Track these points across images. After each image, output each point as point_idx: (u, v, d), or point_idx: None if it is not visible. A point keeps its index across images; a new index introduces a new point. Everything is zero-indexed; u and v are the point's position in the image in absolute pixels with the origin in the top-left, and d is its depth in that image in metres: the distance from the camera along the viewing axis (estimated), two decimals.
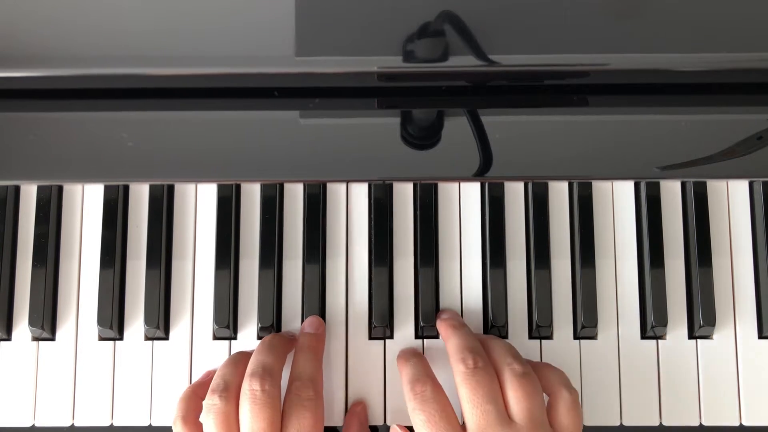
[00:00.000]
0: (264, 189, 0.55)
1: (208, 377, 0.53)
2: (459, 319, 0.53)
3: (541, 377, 0.49)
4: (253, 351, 0.51)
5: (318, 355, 0.51)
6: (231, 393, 0.48)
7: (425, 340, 0.54)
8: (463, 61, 0.51)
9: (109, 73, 0.52)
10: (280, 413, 0.47)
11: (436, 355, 0.53)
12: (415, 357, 0.51)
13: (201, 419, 0.49)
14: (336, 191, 0.56)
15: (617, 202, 0.56)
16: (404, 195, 0.56)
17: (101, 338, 0.54)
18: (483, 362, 0.47)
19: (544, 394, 0.48)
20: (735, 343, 0.54)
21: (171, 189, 0.56)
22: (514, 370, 0.47)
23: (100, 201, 0.55)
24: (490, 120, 0.53)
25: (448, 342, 0.50)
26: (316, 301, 0.54)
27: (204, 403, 0.48)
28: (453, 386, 0.49)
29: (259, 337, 0.54)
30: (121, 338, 0.54)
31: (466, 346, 0.48)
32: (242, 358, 0.51)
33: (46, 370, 0.54)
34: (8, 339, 0.55)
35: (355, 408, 0.52)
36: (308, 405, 0.47)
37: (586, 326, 0.53)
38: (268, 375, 0.47)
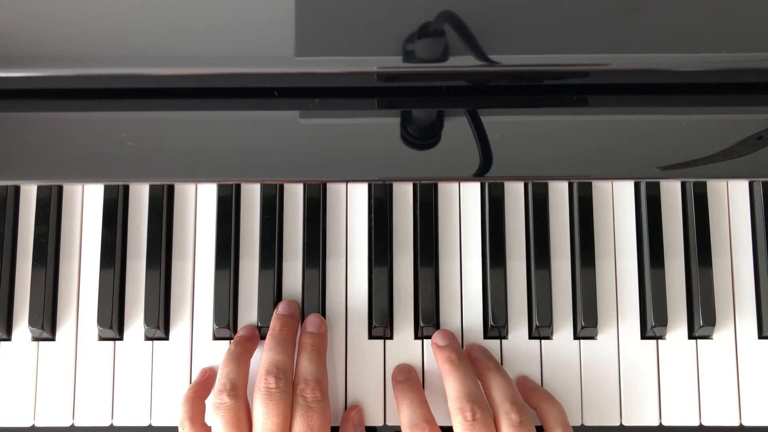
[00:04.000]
0: (264, 189, 0.55)
1: (205, 376, 0.53)
2: (456, 349, 0.52)
3: (538, 410, 0.50)
4: (241, 339, 0.52)
5: (322, 354, 0.52)
6: (238, 391, 0.49)
7: (425, 340, 0.54)
8: (463, 61, 0.51)
9: (109, 73, 0.52)
10: (291, 409, 0.48)
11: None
12: (411, 392, 0.50)
13: (209, 418, 0.49)
14: (336, 191, 0.56)
15: (617, 202, 0.56)
16: (404, 195, 0.56)
17: (101, 338, 0.54)
18: (481, 413, 0.47)
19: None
20: (735, 343, 0.54)
21: (171, 189, 0.56)
22: (512, 420, 0.47)
23: (100, 201, 0.55)
24: (490, 120, 0.53)
25: (446, 381, 0.50)
26: (316, 301, 0.54)
27: (212, 402, 0.49)
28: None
29: (262, 337, 0.54)
30: (121, 338, 0.54)
31: (465, 392, 0.48)
32: (242, 353, 0.51)
33: (46, 370, 0.54)
34: (8, 339, 0.55)
35: (349, 413, 0.52)
36: (315, 407, 0.48)
37: (586, 326, 0.53)
38: (282, 373, 0.48)
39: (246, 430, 0.48)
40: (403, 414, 0.49)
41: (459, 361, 0.50)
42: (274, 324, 0.52)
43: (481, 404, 0.48)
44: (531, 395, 0.51)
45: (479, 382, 0.50)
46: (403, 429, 0.49)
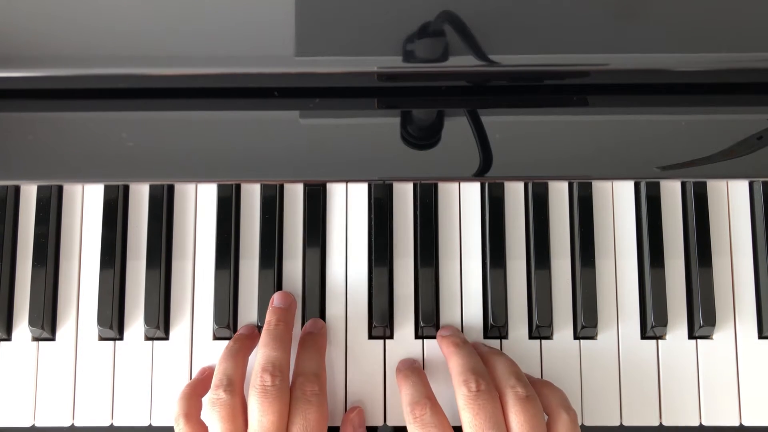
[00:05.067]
0: (264, 189, 0.55)
1: (204, 375, 0.53)
2: (460, 336, 0.52)
3: (540, 396, 0.49)
4: (240, 337, 0.52)
5: (321, 351, 0.52)
6: (235, 387, 0.49)
7: (425, 340, 0.54)
8: (463, 61, 0.51)
9: (109, 73, 0.52)
10: (288, 406, 0.48)
11: (436, 357, 0.53)
12: (414, 375, 0.51)
13: (205, 414, 0.49)
14: (336, 191, 0.56)
15: (617, 202, 0.56)
16: (404, 195, 0.56)
17: (101, 338, 0.54)
18: (486, 385, 0.47)
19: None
20: (735, 343, 0.54)
21: (171, 189, 0.56)
22: (518, 393, 0.47)
23: (100, 201, 0.55)
24: (490, 120, 0.53)
25: (450, 360, 0.50)
26: (316, 301, 0.54)
27: (208, 397, 0.49)
28: (453, 393, 0.49)
29: None
30: (121, 338, 0.54)
31: (469, 367, 0.48)
32: (240, 349, 0.51)
33: (46, 370, 0.54)
34: (8, 339, 0.55)
35: (349, 414, 0.52)
36: (313, 401, 0.48)
37: (586, 326, 0.53)
38: (278, 370, 0.48)
39: (242, 425, 0.48)
40: (405, 394, 0.49)
41: (463, 344, 0.51)
42: (269, 318, 0.52)
43: (485, 377, 0.48)
44: (531, 382, 0.51)
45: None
46: (404, 408, 0.49)
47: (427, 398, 0.48)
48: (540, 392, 0.50)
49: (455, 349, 0.50)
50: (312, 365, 0.50)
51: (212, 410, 0.48)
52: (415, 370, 0.52)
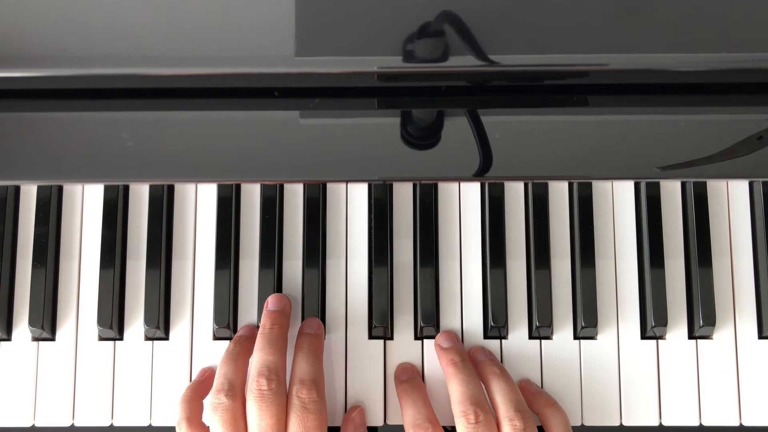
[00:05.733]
0: (264, 189, 0.55)
1: (204, 376, 0.53)
2: (460, 350, 0.52)
3: (541, 416, 0.50)
4: (240, 339, 0.52)
5: (319, 355, 0.52)
6: (236, 391, 0.49)
7: (425, 340, 0.54)
8: (463, 61, 0.51)
9: (109, 73, 0.52)
10: (285, 408, 0.48)
11: (436, 359, 0.53)
12: (415, 392, 0.51)
13: (207, 418, 0.49)
14: (336, 191, 0.56)
15: (617, 202, 0.56)
16: (404, 195, 0.56)
17: (101, 338, 0.54)
18: (484, 416, 0.47)
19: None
20: (735, 343, 0.54)
21: (171, 189, 0.56)
22: (515, 426, 0.47)
23: (100, 201, 0.55)
24: (490, 120, 0.53)
25: (449, 383, 0.50)
26: (315, 301, 0.54)
27: (210, 402, 0.49)
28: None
29: None
30: (121, 338, 0.54)
31: (468, 395, 0.48)
32: (241, 352, 0.51)
33: (46, 370, 0.54)
34: (8, 339, 0.55)
35: (350, 414, 0.52)
36: (312, 408, 0.48)
37: (586, 326, 0.53)
38: (274, 374, 0.48)
39: (243, 429, 0.48)
40: (407, 414, 0.50)
41: (462, 364, 0.50)
42: (264, 321, 0.52)
43: (483, 407, 0.48)
44: (534, 400, 0.51)
45: (482, 385, 0.50)
46: (406, 428, 0.49)
47: (429, 422, 0.48)
48: (541, 411, 0.50)
49: (455, 370, 0.50)
50: (310, 370, 0.50)
51: (214, 414, 0.48)
52: (416, 385, 0.52)
